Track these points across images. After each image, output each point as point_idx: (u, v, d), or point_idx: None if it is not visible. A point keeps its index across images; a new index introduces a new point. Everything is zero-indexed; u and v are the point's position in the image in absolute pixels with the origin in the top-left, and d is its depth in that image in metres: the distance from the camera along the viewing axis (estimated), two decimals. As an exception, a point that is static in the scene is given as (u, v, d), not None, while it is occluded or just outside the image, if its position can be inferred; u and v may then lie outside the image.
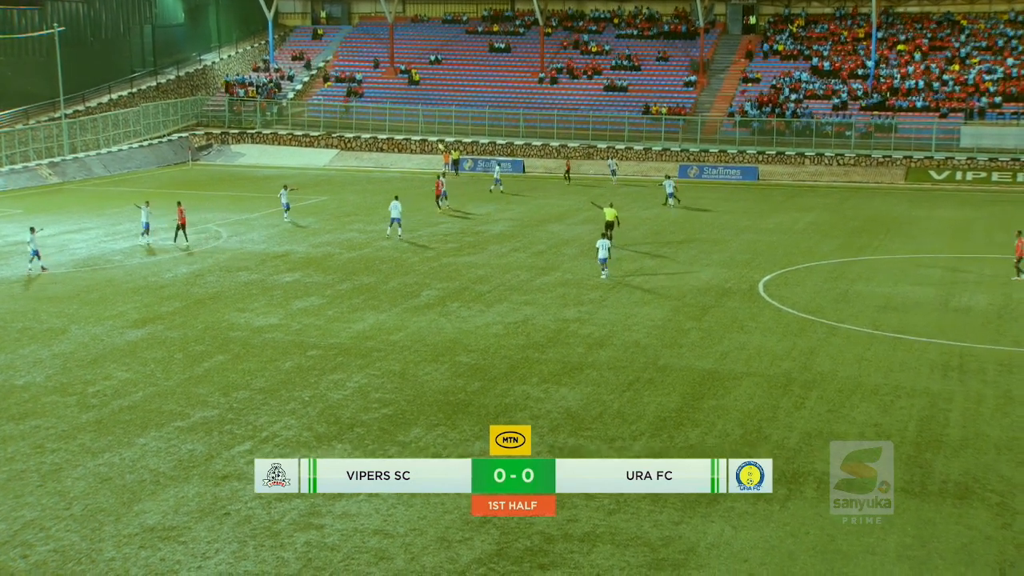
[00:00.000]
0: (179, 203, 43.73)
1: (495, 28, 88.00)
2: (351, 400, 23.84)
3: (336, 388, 24.68)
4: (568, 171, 66.04)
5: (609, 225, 42.50)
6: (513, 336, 29.25)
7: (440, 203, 52.81)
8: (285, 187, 50.61)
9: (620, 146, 72.52)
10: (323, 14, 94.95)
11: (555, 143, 73.80)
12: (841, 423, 22.46)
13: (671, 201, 54.74)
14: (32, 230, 38.08)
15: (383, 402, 23.68)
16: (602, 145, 72.86)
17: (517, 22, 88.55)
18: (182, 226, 42.80)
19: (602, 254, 36.67)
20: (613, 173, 65.10)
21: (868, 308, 32.76)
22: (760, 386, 24.94)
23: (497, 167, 63.18)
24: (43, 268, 37.66)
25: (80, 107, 73.24)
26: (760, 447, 20.91)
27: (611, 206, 43.85)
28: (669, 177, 58.12)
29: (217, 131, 79.86)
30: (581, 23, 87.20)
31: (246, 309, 32.27)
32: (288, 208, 49.33)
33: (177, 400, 23.82)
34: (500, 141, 74.76)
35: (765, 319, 31.34)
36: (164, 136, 76.89)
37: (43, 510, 18.08)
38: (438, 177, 55.20)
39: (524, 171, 70.58)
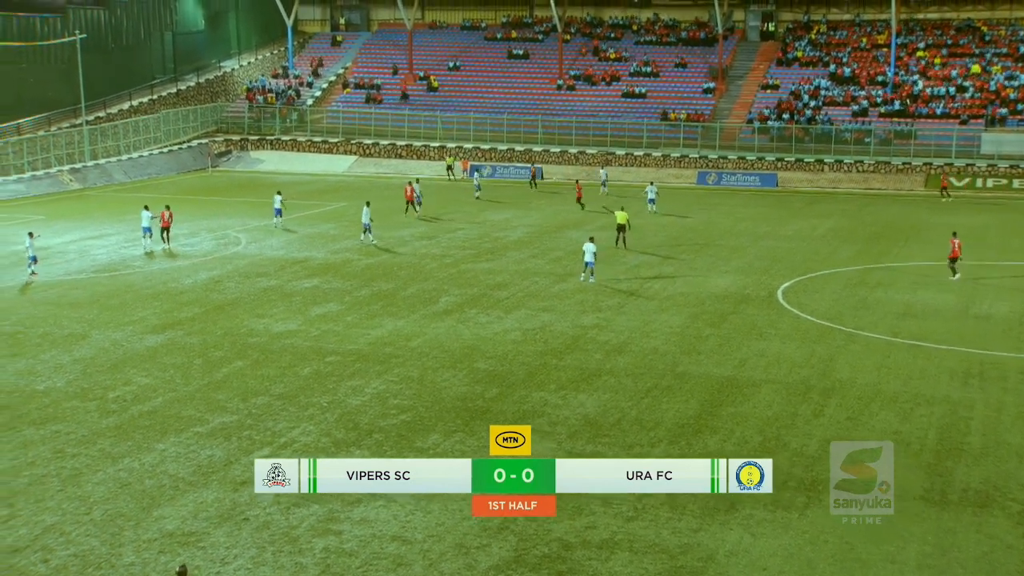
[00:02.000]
0: (167, 207, 44.49)
1: (513, 35, 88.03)
2: (369, 406, 23.88)
3: (354, 394, 24.73)
4: (533, 176, 66.41)
5: (620, 228, 42.61)
6: (531, 342, 29.25)
7: (416, 208, 53.37)
8: (279, 193, 50.61)
9: (639, 152, 72.45)
10: (342, 21, 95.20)
11: (573, 150, 73.79)
12: (860, 431, 22.35)
13: (651, 207, 54.47)
14: (31, 235, 38.24)
15: (401, 408, 23.72)
16: (620, 152, 72.80)
17: (536, 28, 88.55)
18: (165, 229, 43.72)
19: (587, 258, 36.64)
20: (603, 184, 62.55)
21: (887, 315, 32.61)
22: (779, 393, 24.86)
23: (477, 175, 63.17)
24: (33, 274, 37.46)
25: (101, 113, 73.68)
26: (779, 454, 20.82)
27: (622, 209, 43.94)
28: (652, 183, 57.71)
29: (237, 137, 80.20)
30: (600, 30, 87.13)
31: (265, 315, 32.39)
32: (279, 214, 49.35)
33: (196, 406, 23.93)
34: (518, 148, 74.80)
35: (784, 326, 31.24)
36: (184, 142, 77.25)
37: (63, 515, 18.19)
38: (408, 183, 55.45)
39: (543, 178, 70.53)
